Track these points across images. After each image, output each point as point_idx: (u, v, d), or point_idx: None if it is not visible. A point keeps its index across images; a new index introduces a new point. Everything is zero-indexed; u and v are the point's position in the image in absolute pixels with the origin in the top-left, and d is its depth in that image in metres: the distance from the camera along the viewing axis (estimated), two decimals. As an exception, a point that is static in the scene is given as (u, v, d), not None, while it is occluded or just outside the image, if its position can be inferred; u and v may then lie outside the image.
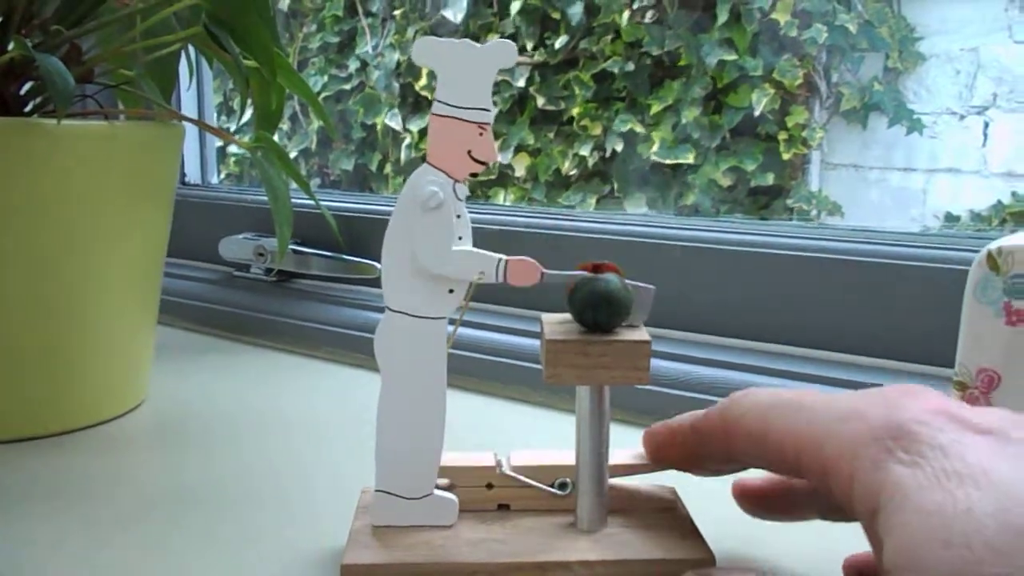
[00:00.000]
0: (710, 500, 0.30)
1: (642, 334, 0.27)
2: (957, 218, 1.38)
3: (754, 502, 0.30)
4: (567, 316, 0.28)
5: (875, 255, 0.44)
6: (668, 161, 1.42)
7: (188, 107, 0.71)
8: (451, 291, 0.28)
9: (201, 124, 0.46)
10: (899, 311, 0.43)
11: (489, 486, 0.30)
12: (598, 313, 0.27)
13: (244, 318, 0.60)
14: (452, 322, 0.29)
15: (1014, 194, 1.33)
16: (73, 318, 0.41)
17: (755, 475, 0.29)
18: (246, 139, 0.44)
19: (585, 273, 0.28)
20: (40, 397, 0.41)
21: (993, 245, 0.28)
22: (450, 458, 0.29)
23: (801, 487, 0.28)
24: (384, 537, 0.28)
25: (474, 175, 0.27)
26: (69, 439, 0.41)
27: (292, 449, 0.41)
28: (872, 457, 0.21)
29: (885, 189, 1.43)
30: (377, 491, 0.28)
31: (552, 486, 0.29)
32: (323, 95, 1.72)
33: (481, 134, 0.27)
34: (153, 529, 0.33)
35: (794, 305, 0.46)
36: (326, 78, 1.75)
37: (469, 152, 0.27)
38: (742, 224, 0.50)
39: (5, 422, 0.40)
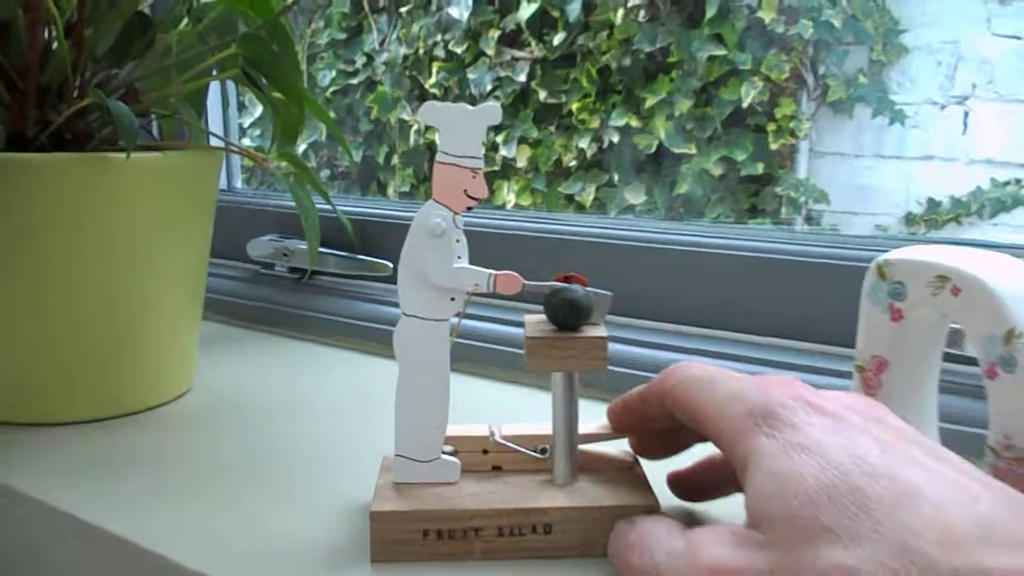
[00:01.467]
0: (660, 465, 0.38)
1: (601, 331, 0.35)
2: (939, 203, 1.45)
3: (683, 486, 0.37)
4: (544, 317, 0.36)
5: (803, 255, 0.51)
6: (675, 150, 1.48)
7: (214, 123, 0.79)
8: (452, 299, 0.35)
9: (241, 151, 0.53)
10: (819, 302, 0.51)
11: (485, 452, 0.37)
12: (567, 316, 0.35)
13: (272, 311, 0.68)
14: (457, 314, 0.37)
15: (993, 180, 1.39)
16: (135, 318, 0.48)
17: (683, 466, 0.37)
18: (271, 154, 0.51)
19: (557, 284, 0.35)
20: (108, 385, 0.49)
21: (881, 258, 0.36)
22: (453, 429, 0.37)
23: (719, 468, 0.35)
24: (402, 491, 0.35)
25: (469, 208, 0.35)
26: (132, 420, 0.49)
27: (319, 425, 0.49)
28: (746, 430, 0.28)
29: (870, 176, 1.49)
30: (396, 455, 0.36)
31: (534, 451, 0.37)
32: (331, 89, 1.79)
33: (474, 177, 0.34)
34: (211, 492, 0.41)
35: (732, 296, 0.54)
36: (334, 72, 1.82)
37: (465, 191, 0.34)
38: (694, 227, 0.59)
39: (78, 405, 0.48)
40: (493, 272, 0.35)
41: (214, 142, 0.68)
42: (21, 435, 0.47)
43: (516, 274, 0.35)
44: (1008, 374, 0.31)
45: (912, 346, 0.36)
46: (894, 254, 0.35)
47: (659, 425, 0.36)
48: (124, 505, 0.39)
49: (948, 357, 0.37)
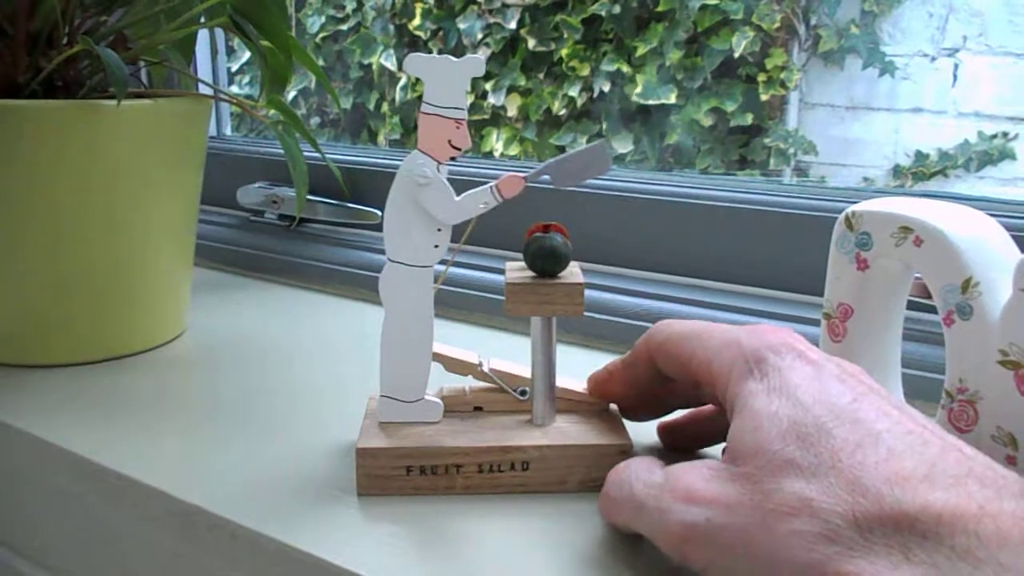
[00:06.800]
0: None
1: (578, 278, 0.36)
2: (927, 156, 1.46)
3: (673, 433, 0.39)
4: (523, 264, 0.37)
5: (786, 206, 0.53)
6: (651, 102, 1.48)
7: (203, 70, 0.79)
8: (436, 246, 0.36)
9: (230, 99, 0.53)
10: (801, 252, 0.52)
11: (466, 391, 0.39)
12: (545, 263, 0.36)
13: (262, 258, 0.69)
14: (444, 262, 0.38)
15: (980, 133, 1.40)
16: (129, 264, 0.50)
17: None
18: (260, 102, 0.52)
19: (538, 233, 0.36)
20: (108, 328, 0.50)
21: (849, 209, 0.37)
22: (444, 348, 0.38)
23: (707, 417, 0.37)
24: (387, 430, 0.37)
25: (452, 158, 0.36)
26: (128, 362, 0.51)
27: (309, 368, 0.50)
28: (738, 372, 0.30)
29: (859, 128, 1.50)
30: (381, 396, 0.38)
31: (515, 391, 0.39)
32: (320, 35, 1.78)
33: (458, 127, 0.35)
34: (204, 429, 0.42)
35: (715, 246, 0.55)
36: (323, 18, 1.80)
37: (449, 141, 0.35)
38: (679, 178, 0.60)
39: (80, 348, 0.50)
40: (494, 183, 0.36)
41: (203, 90, 0.69)
42: (27, 376, 0.48)
43: (514, 173, 0.36)
44: (964, 321, 0.33)
45: (877, 295, 0.37)
46: (861, 205, 0.37)
47: (646, 388, 0.37)
48: (120, 441, 0.41)
49: (912, 305, 0.38)
